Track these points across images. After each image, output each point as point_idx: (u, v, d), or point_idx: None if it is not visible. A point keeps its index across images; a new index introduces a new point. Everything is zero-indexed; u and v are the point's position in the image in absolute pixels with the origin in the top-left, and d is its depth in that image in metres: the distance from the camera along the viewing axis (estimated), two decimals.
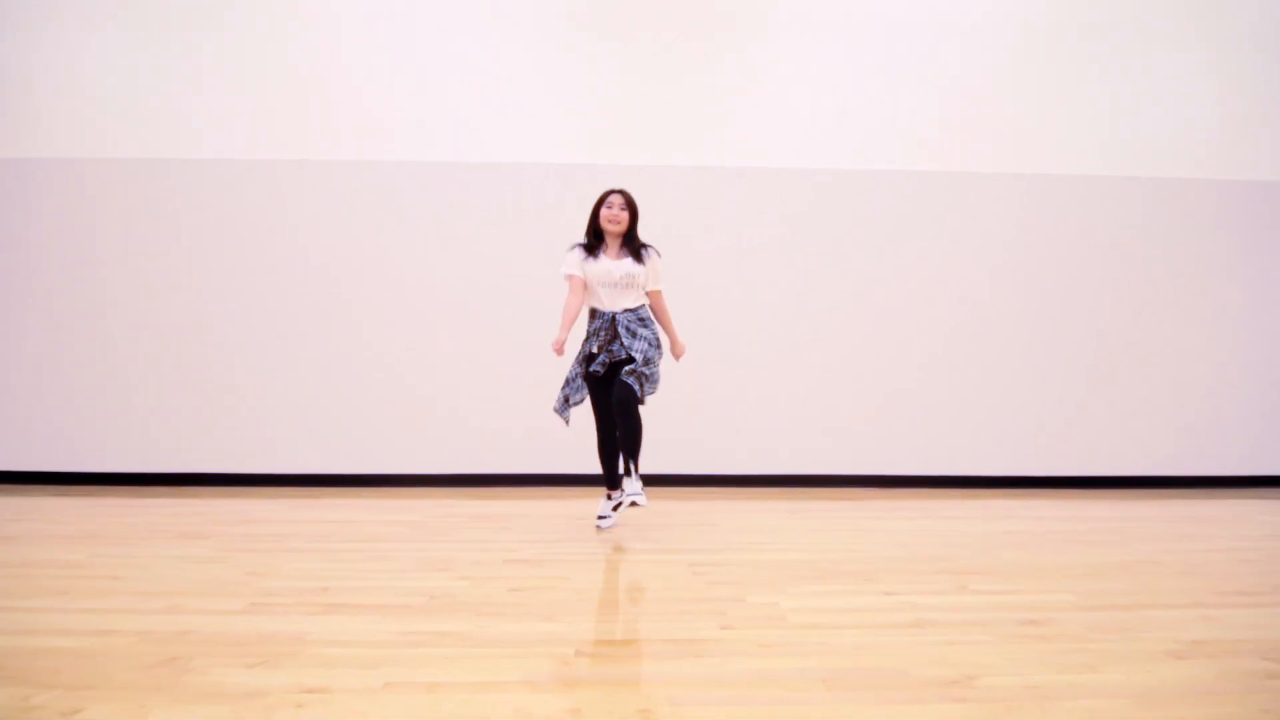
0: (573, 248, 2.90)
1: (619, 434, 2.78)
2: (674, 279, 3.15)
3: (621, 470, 2.82)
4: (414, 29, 4.43)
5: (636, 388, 2.72)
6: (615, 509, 2.96)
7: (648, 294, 2.92)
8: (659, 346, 2.87)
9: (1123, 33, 4.60)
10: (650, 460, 4.19)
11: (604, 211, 2.85)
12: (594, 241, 2.87)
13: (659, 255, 2.93)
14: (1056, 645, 1.67)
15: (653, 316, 2.94)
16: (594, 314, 2.90)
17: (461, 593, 2.06)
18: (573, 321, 2.82)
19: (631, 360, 2.76)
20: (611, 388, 2.79)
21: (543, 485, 4.15)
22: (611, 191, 2.88)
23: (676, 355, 3.01)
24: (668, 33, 4.48)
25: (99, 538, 2.85)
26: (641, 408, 2.78)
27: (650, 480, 4.36)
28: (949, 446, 4.44)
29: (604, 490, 3.05)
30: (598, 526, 2.95)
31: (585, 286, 2.85)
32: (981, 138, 4.53)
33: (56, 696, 1.33)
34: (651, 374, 2.79)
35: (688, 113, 4.47)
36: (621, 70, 4.47)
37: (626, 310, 2.84)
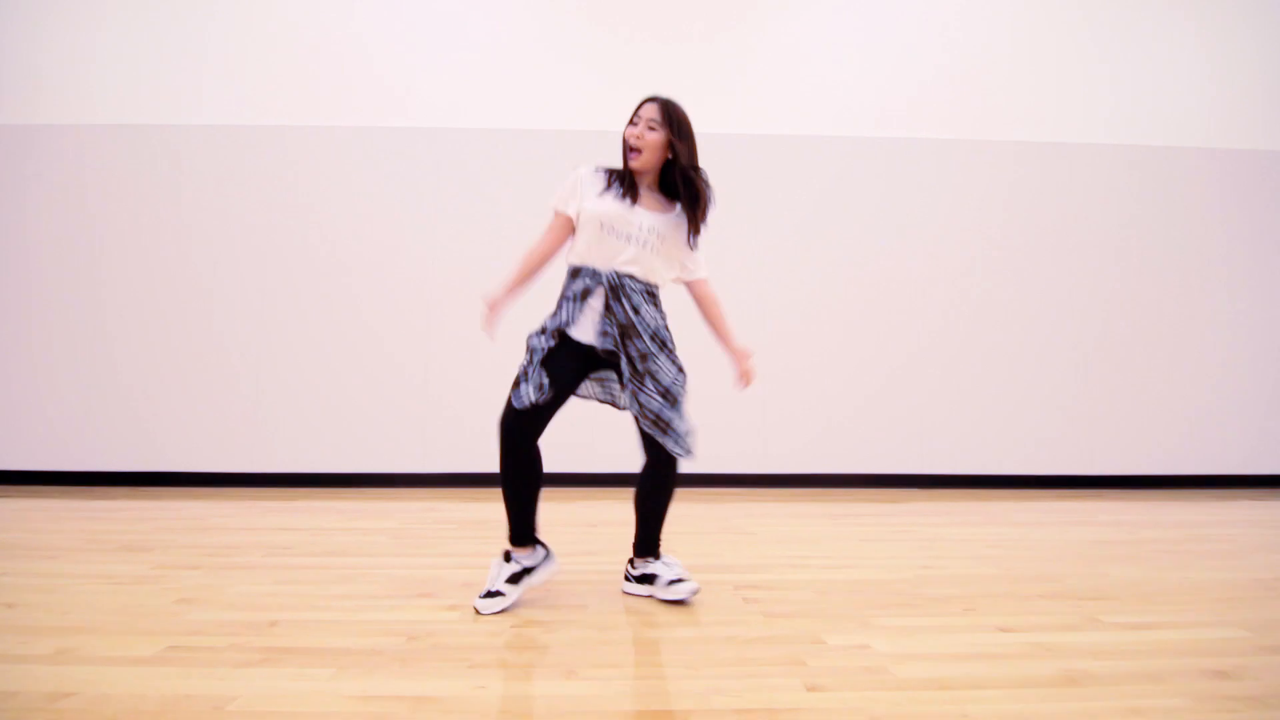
0: (592, 169, 1.84)
1: (652, 501, 1.86)
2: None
3: (640, 551, 1.90)
4: None
5: (680, 449, 1.77)
6: (517, 580, 1.76)
7: (689, 284, 1.90)
8: (667, 348, 1.80)
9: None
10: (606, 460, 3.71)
11: (627, 129, 1.80)
12: (627, 176, 1.80)
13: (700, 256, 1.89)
14: (1276, 708, 1.20)
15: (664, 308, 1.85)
16: (576, 273, 1.80)
17: (449, 630, 1.57)
18: (528, 276, 1.84)
19: (643, 378, 1.74)
20: (578, 382, 1.81)
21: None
22: (646, 100, 1.81)
23: (744, 376, 1.88)
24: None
25: (21, 549, 2.36)
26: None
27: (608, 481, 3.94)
28: (981, 442, 3.95)
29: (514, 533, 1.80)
30: (476, 609, 1.69)
31: (571, 231, 1.84)
32: (976, 105, 4.06)
33: None
34: (677, 406, 1.77)
35: (701, 79, 3.97)
36: (632, 35, 4.00)
37: (631, 277, 1.77)
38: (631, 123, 1.79)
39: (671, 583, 1.79)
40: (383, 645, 1.47)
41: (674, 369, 1.78)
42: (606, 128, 3.79)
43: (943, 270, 3.99)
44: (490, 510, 3.06)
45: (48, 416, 3.76)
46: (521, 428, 1.70)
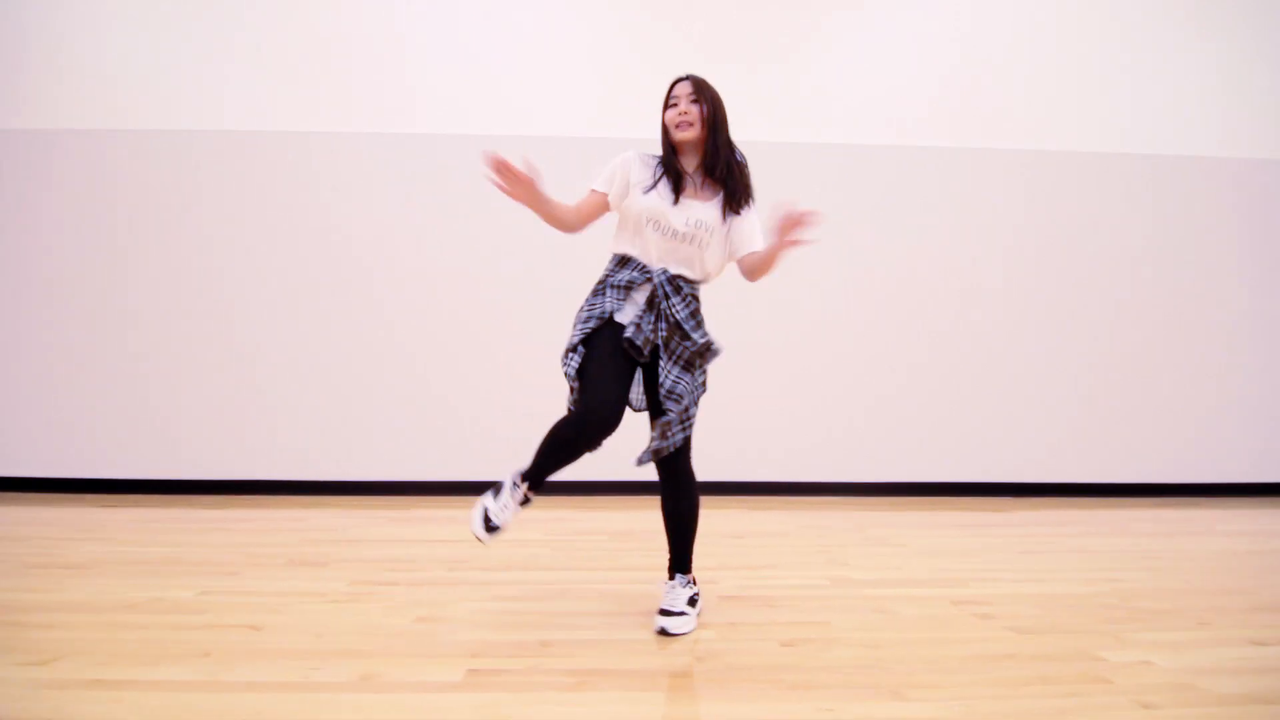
0: (638, 155, 1.77)
1: (679, 520, 1.81)
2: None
3: (673, 573, 1.84)
4: None
5: (655, 446, 1.72)
6: (512, 507, 1.67)
7: (740, 262, 1.77)
8: (704, 381, 1.77)
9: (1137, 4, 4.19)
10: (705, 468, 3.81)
11: (668, 113, 1.74)
12: (672, 167, 1.72)
13: (755, 214, 1.79)
14: None
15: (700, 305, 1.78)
16: (625, 263, 1.76)
17: (725, 651, 1.59)
18: (545, 217, 1.73)
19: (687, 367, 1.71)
20: (633, 372, 1.73)
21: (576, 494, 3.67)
22: (676, 81, 1.76)
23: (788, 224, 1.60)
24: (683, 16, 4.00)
25: (187, 564, 2.34)
26: None
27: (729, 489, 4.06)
28: (1049, 449, 3.95)
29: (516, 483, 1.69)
30: (482, 536, 1.67)
31: (602, 212, 1.79)
32: (985, 113, 4.05)
33: None
34: (688, 418, 1.73)
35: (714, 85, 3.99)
36: (652, 41, 3.96)
37: (680, 278, 1.73)
38: (671, 105, 1.74)
39: (659, 611, 1.73)
40: (680, 665, 1.49)
41: (701, 379, 1.76)
42: (628, 134, 3.81)
43: (961, 276, 3.97)
44: (614, 519, 3.07)
45: (68, 422, 3.73)
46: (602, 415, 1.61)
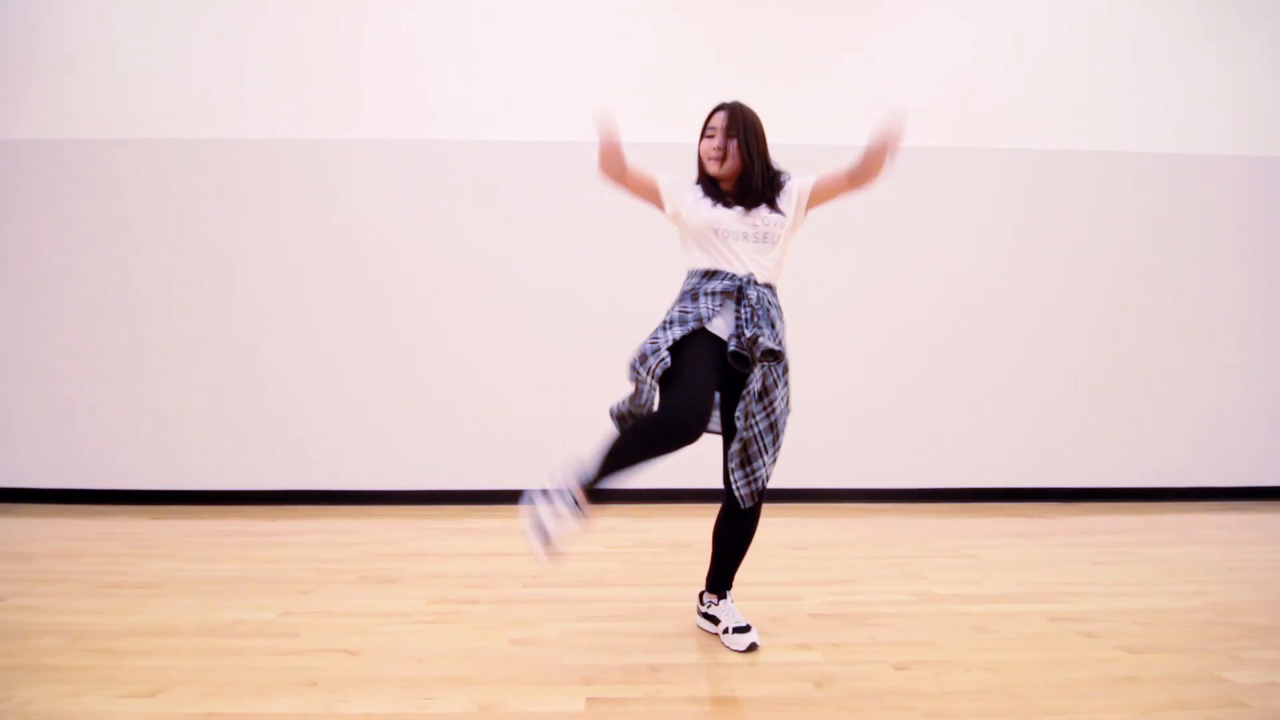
0: (686, 183, 1.78)
1: (724, 540, 1.80)
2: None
3: (711, 586, 1.85)
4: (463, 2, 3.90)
5: (742, 492, 1.67)
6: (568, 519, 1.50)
7: (819, 185, 1.75)
8: (787, 374, 1.69)
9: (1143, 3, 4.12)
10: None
11: (703, 144, 1.75)
12: (715, 190, 1.73)
13: (794, 176, 1.79)
14: None
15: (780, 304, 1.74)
16: (712, 275, 1.68)
17: (840, 675, 1.56)
18: (622, 171, 1.72)
19: (768, 385, 1.64)
20: (721, 392, 1.68)
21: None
22: (713, 111, 1.75)
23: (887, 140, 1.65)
24: (694, 18, 3.96)
25: (252, 581, 2.32)
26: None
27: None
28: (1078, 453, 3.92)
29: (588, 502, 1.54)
30: (541, 555, 1.52)
31: (653, 197, 1.78)
32: (985, 113, 4.00)
33: None
34: (773, 444, 1.67)
35: (728, 89, 3.93)
36: (633, 51, 3.93)
37: (765, 284, 1.70)
38: (707, 136, 1.73)
39: (735, 630, 1.72)
40: (802, 692, 1.46)
41: (785, 401, 1.69)
42: (644, 139, 3.76)
43: (965, 277, 3.94)
44: (668, 529, 3.04)
45: (81, 434, 3.74)
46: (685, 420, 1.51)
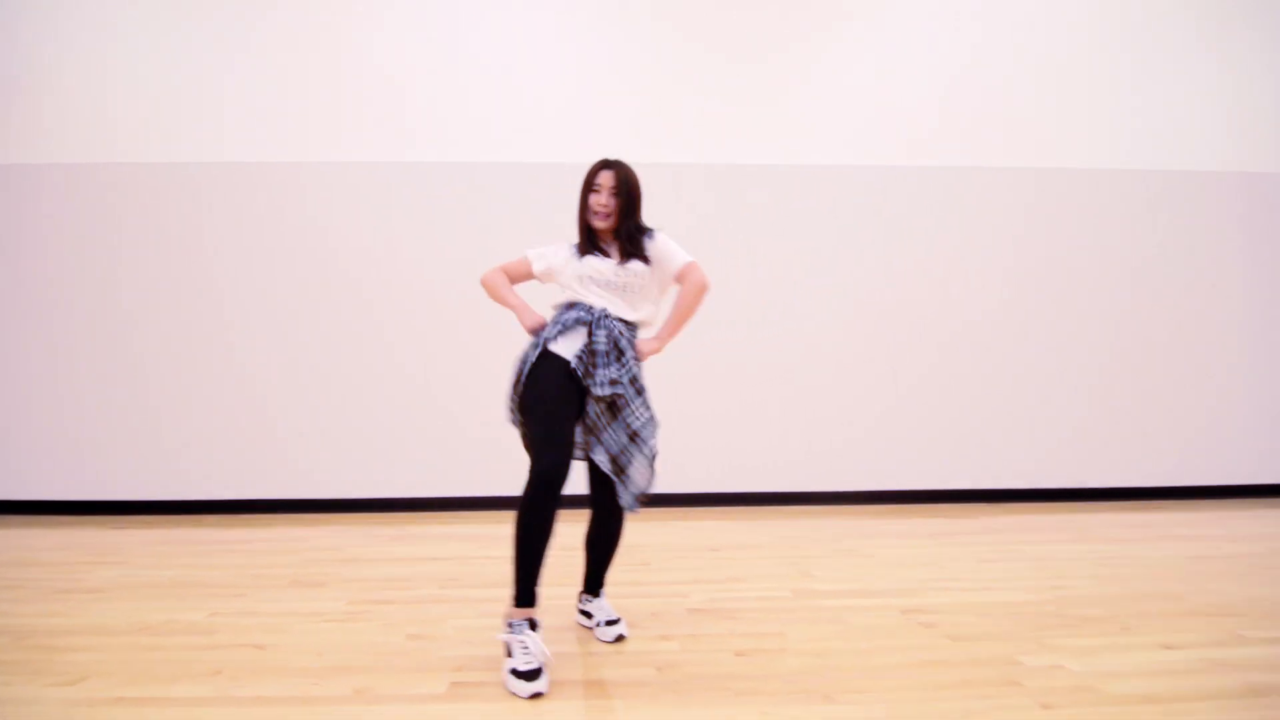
0: (560, 245, 2.01)
1: (595, 545, 2.01)
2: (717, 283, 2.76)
3: (586, 588, 2.07)
4: (438, 27, 4.10)
5: (626, 499, 1.86)
6: (532, 644, 1.65)
7: (679, 275, 1.95)
8: (642, 391, 1.88)
9: (1140, 22, 4.37)
10: (681, 481, 3.87)
11: (591, 197, 1.93)
12: (588, 241, 1.95)
13: (662, 232, 1.97)
14: None
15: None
16: (571, 305, 1.91)
17: (683, 660, 1.76)
18: (506, 292, 1.99)
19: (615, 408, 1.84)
20: (577, 415, 1.85)
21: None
22: (600, 167, 1.93)
23: (641, 353, 1.92)
24: (687, 36, 4.19)
25: (193, 585, 2.52)
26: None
27: (694, 500, 4.12)
28: (1016, 457, 4.14)
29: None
30: (524, 692, 1.57)
31: (525, 277, 2.03)
32: (987, 132, 4.25)
33: None
34: (641, 453, 1.85)
35: (690, 113, 4.16)
36: (632, 70, 4.16)
37: (620, 319, 1.90)
38: (594, 190, 1.91)
39: (605, 624, 1.94)
40: (642, 675, 1.66)
41: (646, 413, 1.86)
42: (635, 159, 3.98)
43: (963, 289, 4.18)
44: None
45: (79, 447, 3.92)
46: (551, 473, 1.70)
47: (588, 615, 2.02)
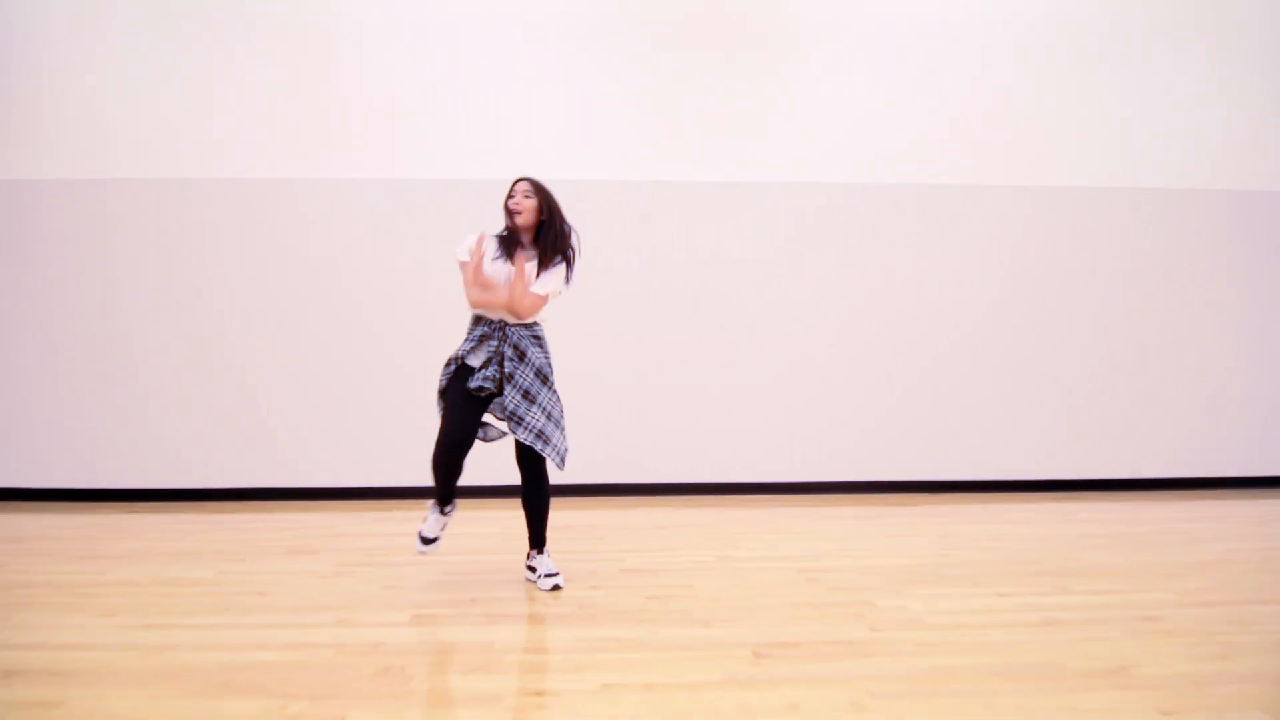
0: (486, 237, 2.38)
1: (532, 508, 2.43)
2: (691, 291, 3.69)
3: (535, 545, 2.47)
4: (424, 51, 4.54)
5: (555, 458, 2.29)
6: (442, 529, 2.42)
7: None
8: (548, 382, 2.33)
9: (1129, 44, 4.83)
10: (671, 470, 4.37)
11: (509, 201, 2.36)
12: (509, 241, 2.37)
13: (567, 264, 2.38)
14: (1183, 639, 1.82)
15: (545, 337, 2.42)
16: (478, 320, 2.36)
17: (603, 602, 2.18)
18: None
19: (524, 399, 2.25)
20: (483, 407, 2.32)
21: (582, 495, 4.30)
22: (517, 180, 2.41)
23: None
24: (682, 52, 4.62)
25: (208, 554, 2.93)
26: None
27: (671, 490, 4.56)
28: (965, 450, 4.56)
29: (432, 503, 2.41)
30: (421, 549, 2.42)
31: (476, 280, 2.32)
32: (989, 152, 4.70)
33: (308, 706, 1.44)
34: (558, 427, 2.32)
35: (702, 130, 4.59)
36: (634, 87, 4.59)
37: (519, 324, 2.32)
38: (510, 195, 2.36)
39: (545, 576, 2.36)
40: (563, 611, 2.07)
41: (554, 398, 2.33)
42: (626, 177, 4.47)
43: (959, 299, 4.61)
44: (556, 517, 3.64)
45: (72, 437, 4.32)
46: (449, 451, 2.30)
47: (532, 570, 2.44)
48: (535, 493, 2.40)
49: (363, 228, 4.47)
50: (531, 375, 2.29)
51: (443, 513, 2.41)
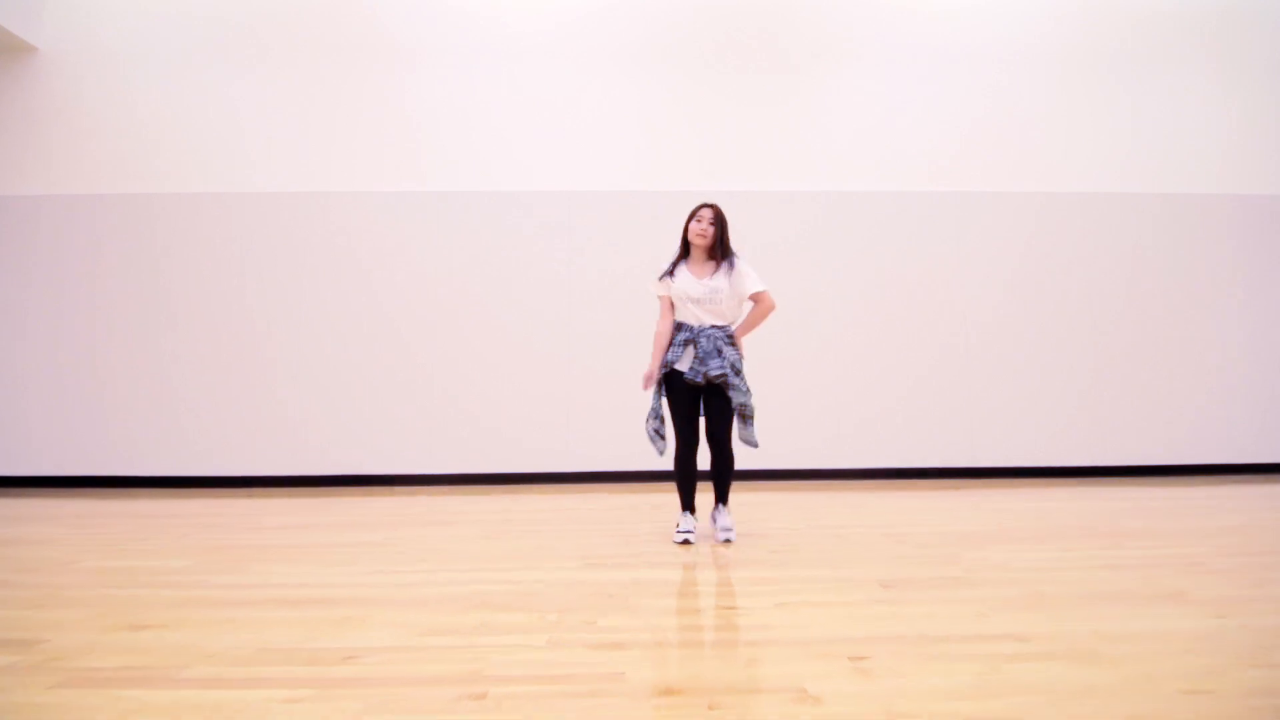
0: (662, 272, 2.95)
1: (714, 469, 2.88)
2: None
3: (718, 501, 2.94)
4: (468, 64, 5.06)
5: (737, 425, 2.83)
6: (686, 524, 2.90)
7: (751, 298, 2.89)
8: (739, 373, 2.82)
9: (1136, 55, 5.26)
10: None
11: (692, 225, 2.88)
12: (683, 254, 2.92)
13: (744, 260, 2.90)
14: (1226, 576, 2.25)
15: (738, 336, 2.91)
16: (679, 328, 2.87)
17: (735, 556, 2.62)
18: (663, 350, 2.87)
19: (722, 388, 2.78)
20: (700, 405, 2.84)
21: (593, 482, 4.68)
22: (701, 205, 2.91)
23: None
24: (702, 69, 5.12)
25: (358, 525, 3.37)
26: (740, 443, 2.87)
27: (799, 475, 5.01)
28: (994, 439, 5.01)
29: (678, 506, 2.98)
30: (683, 540, 2.83)
31: (672, 306, 2.90)
32: (994, 159, 5.15)
33: (561, 617, 1.88)
34: (746, 406, 2.82)
35: (722, 142, 5.09)
36: (658, 102, 5.09)
37: (714, 326, 2.83)
38: (696, 220, 2.88)
39: (722, 528, 2.88)
40: (706, 558, 2.51)
41: (745, 389, 2.82)
42: (652, 187, 4.95)
43: (966, 299, 5.04)
44: (578, 501, 4.08)
45: (103, 429, 4.81)
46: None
47: (714, 521, 2.95)
48: (720, 458, 2.87)
49: (387, 235, 4.94)
50: (729, 370, 2.79)
51: (693, 517, 2.95)
